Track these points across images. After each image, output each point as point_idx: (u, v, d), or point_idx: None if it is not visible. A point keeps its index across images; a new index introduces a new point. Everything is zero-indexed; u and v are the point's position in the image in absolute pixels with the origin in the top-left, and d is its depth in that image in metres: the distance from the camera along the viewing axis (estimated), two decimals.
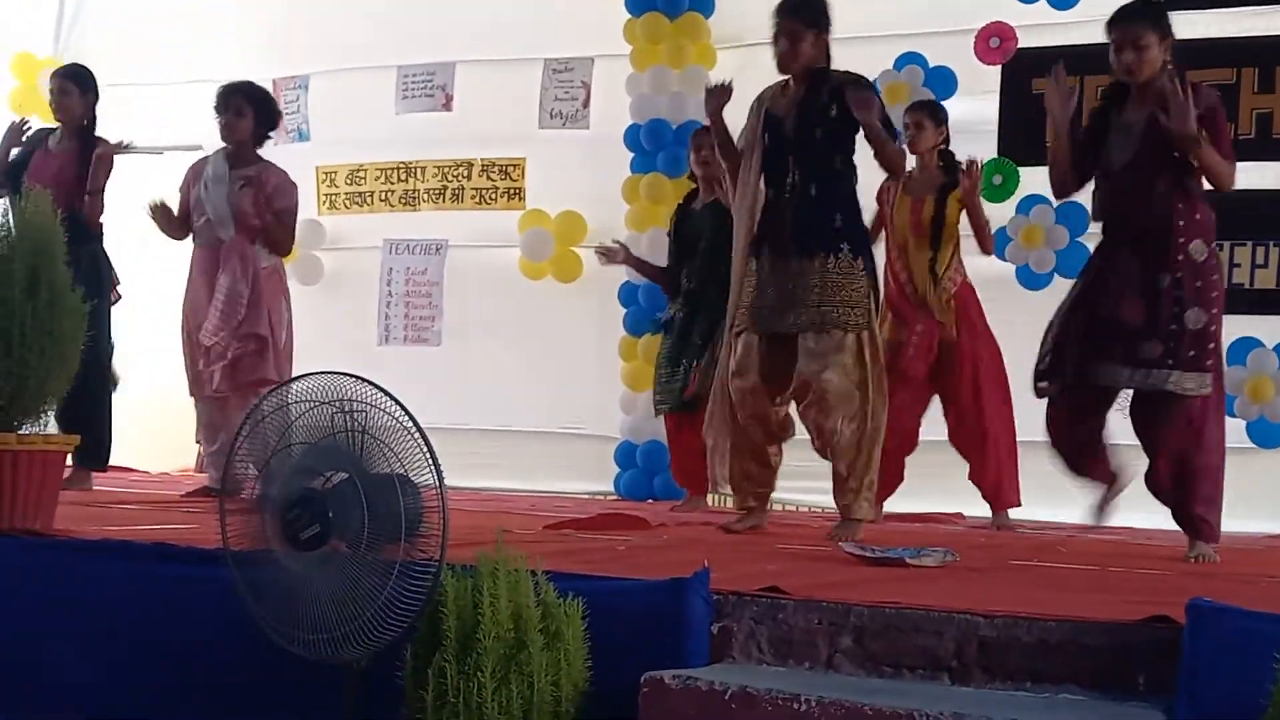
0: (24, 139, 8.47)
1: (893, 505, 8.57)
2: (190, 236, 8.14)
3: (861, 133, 6.56)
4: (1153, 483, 6.10)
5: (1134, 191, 5.98)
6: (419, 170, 11.29)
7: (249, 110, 7.98)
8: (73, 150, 8.38)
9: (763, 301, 6.54)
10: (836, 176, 6.61)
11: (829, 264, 6.50)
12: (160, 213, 8.05)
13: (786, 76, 6.67)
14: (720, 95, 6.83)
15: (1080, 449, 6.25)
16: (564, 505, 8.63)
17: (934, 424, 8.34)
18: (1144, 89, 6.04)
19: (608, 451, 10.20)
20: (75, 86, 8.48)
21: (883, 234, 8.15)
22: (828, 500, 8.71)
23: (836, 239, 6.52)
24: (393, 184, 11.37)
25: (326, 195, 11.41)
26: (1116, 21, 6.08)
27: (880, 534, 6.77)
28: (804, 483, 8.18)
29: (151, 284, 9.56)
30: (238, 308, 7.86)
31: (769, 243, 6.57)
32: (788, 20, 6.60)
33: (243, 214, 7.91)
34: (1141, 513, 7.10)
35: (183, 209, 8.12)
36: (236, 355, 7.86)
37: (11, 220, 5.35)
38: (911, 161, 8.15)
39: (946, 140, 8.18)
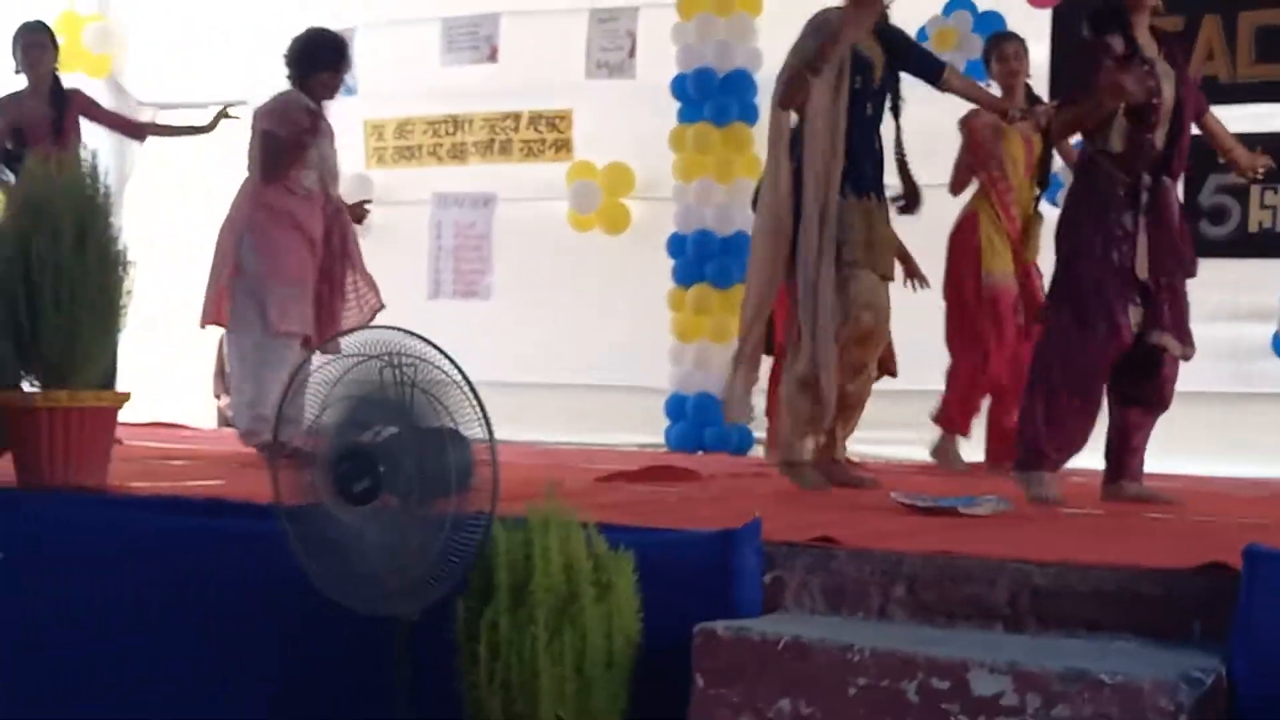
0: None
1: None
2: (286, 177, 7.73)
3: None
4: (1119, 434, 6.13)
5: (1182, 135, 5.93)
6: (466, 123, 11.28)
7: (339, 69, 7.81)
8: (46, 104, 8.41)
9: (860, 238, 6.41)
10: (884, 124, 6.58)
11: (881, 207, 6.52)
12: None
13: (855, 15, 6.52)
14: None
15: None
16: (615, 458, 8.63)
17: None
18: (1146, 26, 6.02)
19: (658, 404, 10.18)
20: (50, 40, 8.51)
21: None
22: (890, 451, 8.74)
23: (880, 183, 6.52)
24: (440, 137, 11.36)
25: (375, 150, 11.41)
26: None
27: (933, 484, 6.74)
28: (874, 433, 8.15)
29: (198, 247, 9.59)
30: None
31: (853, 181, 6.43)
32: None
33: None
34: (1196, 459, 7.10)
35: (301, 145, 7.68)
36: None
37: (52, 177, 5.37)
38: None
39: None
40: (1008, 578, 3.90)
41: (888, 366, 7.20)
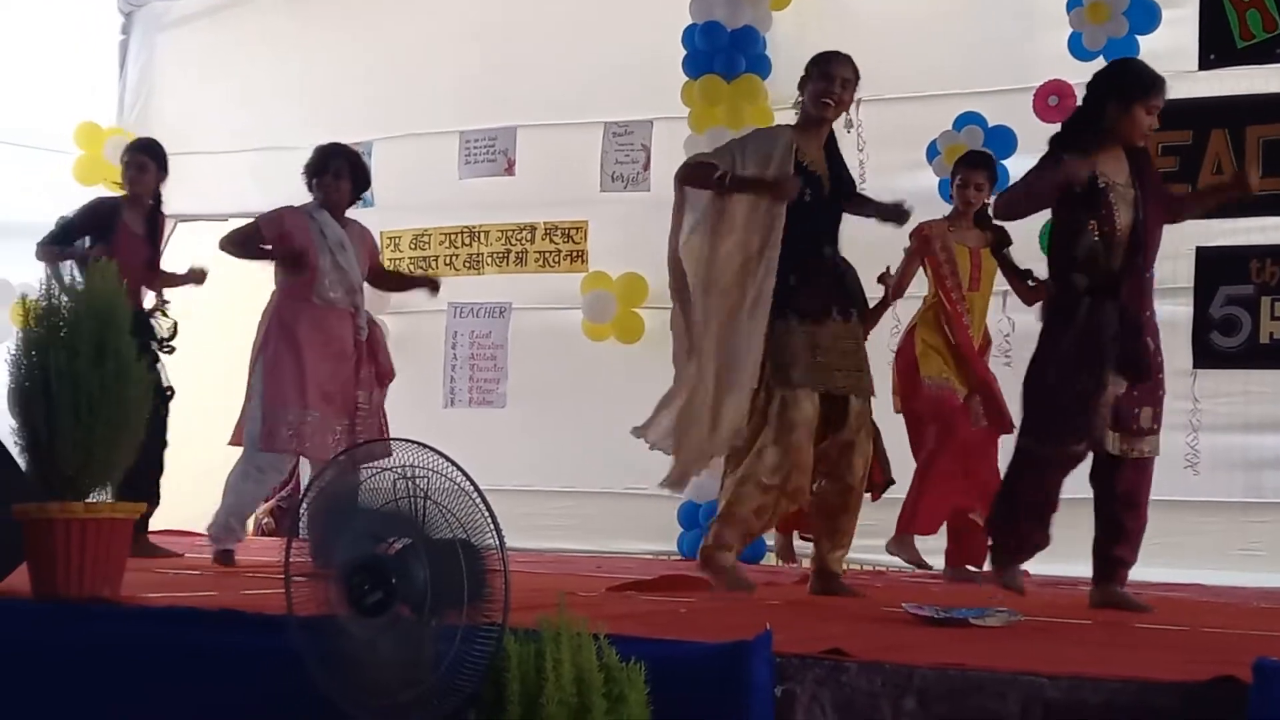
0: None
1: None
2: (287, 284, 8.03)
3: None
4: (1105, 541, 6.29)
5: (1139, 253, 6.05)
6: (483, 234, 11.37)
7: (347, 173, 8.02)
8: (142, 222, 8.54)
9: (818, 359, 6.51)
10: None
11: (858, 330, 6.72)
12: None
13: (797, 131, 6.74)
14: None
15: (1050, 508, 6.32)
16: (628, 566, 8.64)
17: None
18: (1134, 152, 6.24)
19: (671, 511, 10.19)
20: (152, 161, 8.62)
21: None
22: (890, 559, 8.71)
23: (860, 303, 6.64)
24: (457, 248, 11.45)
25: (391, 260, 11.49)
26: (1162, 86, 6.22)
27: (944, 594, 6.75)
28: (871, 541, 8.17)
29: (209, 347, 9.66)
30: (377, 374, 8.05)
31: (819, 301, 6.56)
32: (849, 65, 6.67)
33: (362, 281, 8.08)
34: (1207, 569, 7.07)
35: (297, 252, 7.91)
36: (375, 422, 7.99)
37: (76, 289, 5.42)
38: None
39: None
40: (1020, 690, 3.90)
41: (875, 478, 7.35)
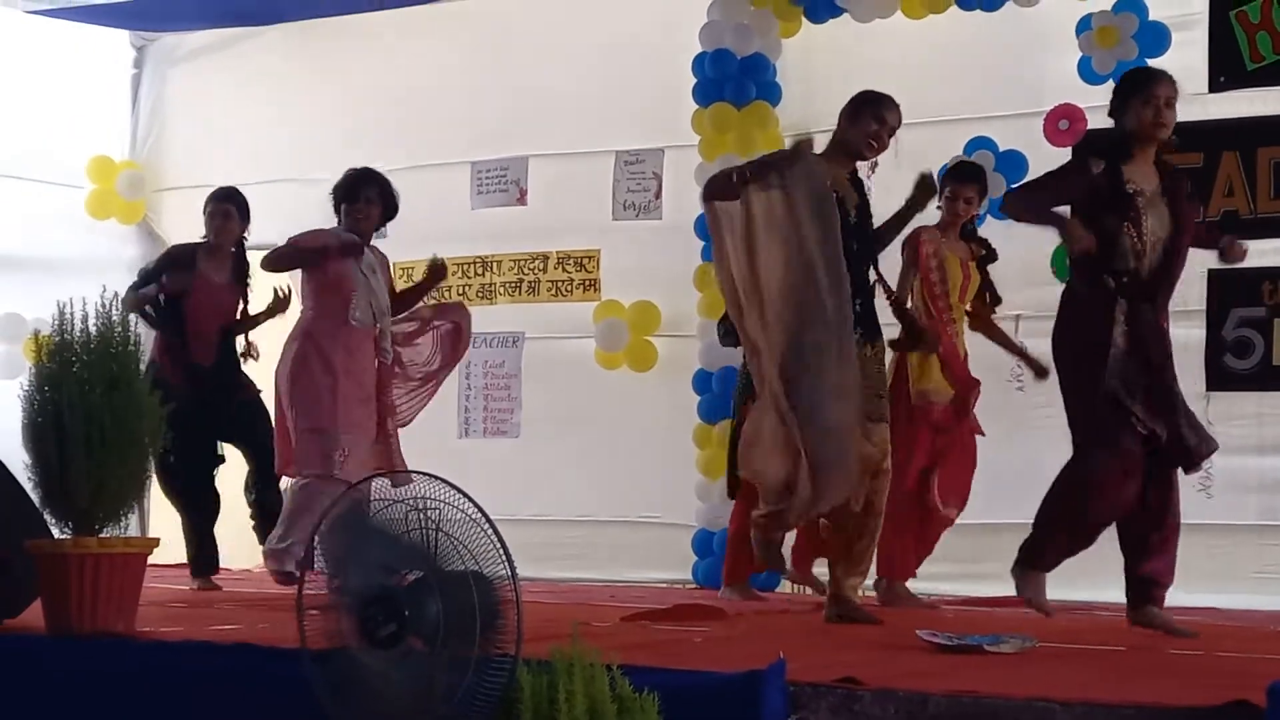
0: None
1: (975, 589, 8.54)
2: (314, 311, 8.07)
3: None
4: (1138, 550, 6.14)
5: (1172, 267, 6.04)
6: (495, 264, 11.38)
7: (378, 199, 8.07)
8: (227, 272, 8.65)
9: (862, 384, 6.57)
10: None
11: (882, 354, 6.80)
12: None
13: (825, 163, 6.68)
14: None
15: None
16: (642, 595, 8.64)
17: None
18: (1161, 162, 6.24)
19: (685, 540, 10.19)
20: (236, 210, 8.65)
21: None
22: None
23: (877, 326, 6.74)
24: (469, 278, 11.45)
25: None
26: (1165, 80, 6.25)
27: (958, 621, 6.73)
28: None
29: None
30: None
31: (863, 325, 6.62)
32: (897, 114, 6.71)
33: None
34: (1221, 593, 7.04)
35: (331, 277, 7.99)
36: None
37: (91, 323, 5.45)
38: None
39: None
40: (1033, 717, 3.90)
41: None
